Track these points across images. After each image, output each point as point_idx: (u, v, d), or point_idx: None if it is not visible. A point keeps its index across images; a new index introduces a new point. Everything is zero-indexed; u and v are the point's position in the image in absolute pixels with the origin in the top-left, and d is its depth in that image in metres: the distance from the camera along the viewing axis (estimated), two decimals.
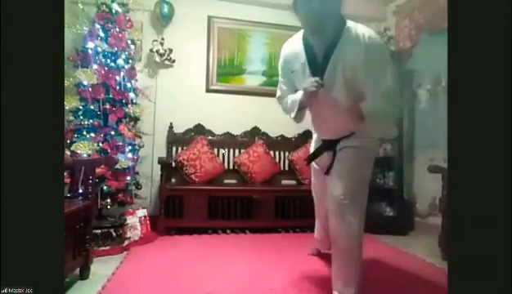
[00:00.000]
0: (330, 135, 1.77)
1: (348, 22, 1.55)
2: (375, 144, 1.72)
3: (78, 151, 2.48)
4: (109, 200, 2.67)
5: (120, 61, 2.78)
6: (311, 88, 1.50)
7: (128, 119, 2.84)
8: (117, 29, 2.78)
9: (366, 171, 1.74)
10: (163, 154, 3.38)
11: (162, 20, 3.45)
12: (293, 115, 1.73)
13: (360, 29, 1.52)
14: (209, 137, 3.55)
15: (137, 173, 3.03)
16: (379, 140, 1.74)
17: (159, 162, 3.12)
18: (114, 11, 2.79)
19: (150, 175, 3.35)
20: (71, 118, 2.65)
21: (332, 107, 1.62)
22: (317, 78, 1.49)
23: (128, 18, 2.91)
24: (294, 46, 1.70)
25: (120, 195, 2.73)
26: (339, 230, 1.67)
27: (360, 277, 1.67)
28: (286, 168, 3.71)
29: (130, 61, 2.92)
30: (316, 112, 1.75)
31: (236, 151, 3.63)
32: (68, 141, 2.55)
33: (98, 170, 2.39)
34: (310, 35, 1.59)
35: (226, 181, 3.55)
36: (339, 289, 1.67)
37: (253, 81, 3.76)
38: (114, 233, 2.57)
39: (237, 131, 3.67)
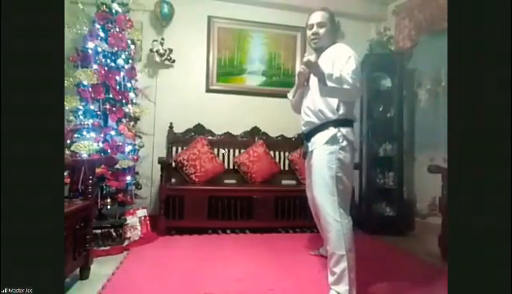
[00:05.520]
0: (304, 123, 1.94)
1: (338, 44, 1.92)
2: (339, 142, 1.76)
3: (78, 151, 2.48)
4: (109, 200, 2.67)
5: (120, 61, 2.78)
6: (299, 69, 1.95)
7: (128, 119, 2.84)
8: (117, 29, 2.78)
9: (329, 169, 1.74)
10: (163, 154, 3.38)
11: (162, 20, 3.45)
12: (290, 95, 2.10)
13: (337, 46, 1.89)
14: (209, 137, 3.54)
15: (137, 173, 3.03)
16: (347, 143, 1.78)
17: (159, 162, 3.12)
18: (114, 11, 2.79)
19: (150, 175, 3.35)
20: (71, 118, 2.65)
21: (310, 95, 1.90)
22: (308, 57, 1.69)
23: (128, 18, 2.90)
24: None
25: (120, 195, 2.72)
26: (325, 229, 1.76)
27: (353, 273, 1.69)
28: (286, 168, 3.71)
29: (130, 61, 2.91)
30: (303, 100, 2.00)
31: (236, 151, 3.63)
32: (68, 141, 2.54)
33: (98, 170, 2.39)
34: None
35: (226, 181, 3.55)
36: (333, 286, 1.71)
37: (253, 81, 3.75)
38: (114, 233, 2.57)
39: (237, 131, 3.67)
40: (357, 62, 1.75)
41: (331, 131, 1.77)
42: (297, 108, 2.06)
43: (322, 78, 1.64)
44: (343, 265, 1.67)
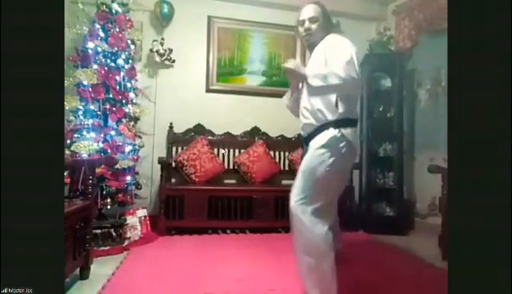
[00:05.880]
0: (303, 126, 1.80)
1: (330, 35, 1.76)
2: (336, 143, 1.61)
3: (78, 151, 2.48)
4: (109, 200, 2.68)
5: (120, 61, 2.78)
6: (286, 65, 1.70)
7: (127, 119, 2.84)
8: (117, 29, 2.78)
9: (315, 172, 1.61)
10: (164, 154, 3.38)
11: (162, 20, 3.45)
12: (286, 99, 1.95)
13: (331, 37, 1.74)
14: (209, 137, 3.55)
15: (137, 173, 3.03)
16: (345, 142, 1.62)
17: (159, 162, 3.12)
18: (114, 11, 2.80)
19: (150, 175, 3.35)
20: (71, 118, 2.65)
21: (306, 95, 1.73)
22: (286, 65, 1.65)
23: (128, 18, 2.90)
24: None
25: (120, 195, 2.72)
26: (295, 232, 1.66)
27: (328, 279, 1.56)
28: (286, 168, 3.71)
29: (130, 61, 2.92)
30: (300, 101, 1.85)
31: (236, 151, 3.63)
32: (68, 141, 2.54)
33: (98, 170, 2.39)
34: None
35: (226, 181, 3.56)
36: (308, 291, 1.60)
37: (253, 81, 3.76)
38: (114, 233, 2.57)
39: (237, 131, 3.67)
40: (351, 52, 1.59)
41: (331, 132, 1.61)
42: (294, 111, 1.92)
43: (306, 80, 1.58)
44: (313, 274, 1.57)
